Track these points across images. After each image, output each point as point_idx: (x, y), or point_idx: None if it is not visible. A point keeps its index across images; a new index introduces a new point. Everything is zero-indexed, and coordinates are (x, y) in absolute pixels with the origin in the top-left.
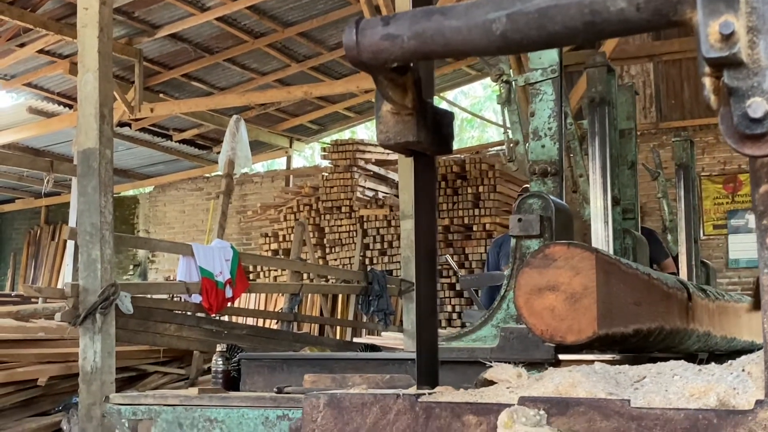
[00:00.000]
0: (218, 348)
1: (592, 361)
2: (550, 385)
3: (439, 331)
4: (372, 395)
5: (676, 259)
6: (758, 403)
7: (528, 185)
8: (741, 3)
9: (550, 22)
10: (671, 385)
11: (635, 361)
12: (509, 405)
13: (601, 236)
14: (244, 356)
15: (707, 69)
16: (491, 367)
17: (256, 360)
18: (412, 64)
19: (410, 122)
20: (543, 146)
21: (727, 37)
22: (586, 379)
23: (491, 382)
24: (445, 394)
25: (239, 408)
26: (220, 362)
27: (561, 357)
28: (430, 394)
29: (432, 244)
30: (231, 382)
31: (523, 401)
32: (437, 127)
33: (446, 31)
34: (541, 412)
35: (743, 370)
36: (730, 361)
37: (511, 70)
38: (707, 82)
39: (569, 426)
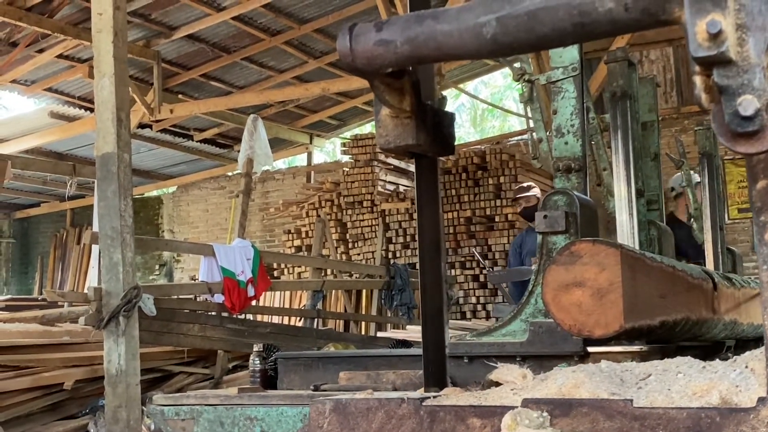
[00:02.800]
0: (255, 348)
1: (621, 353)
2: (553, 386)
3: (466, 323)
4: (377, 400)
5: (702, 248)
6: (761, 400)
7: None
8: (729, 1)
9: (539, 24)
10: (675, 383)
11: (662, 351)
12: (513, 407)
13: (626, 228)
14: (281, 355)
15: (697, 68)
16: (497, 367)
17: (293, 359)
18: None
19: (409, 125)
20: (566, 143)
21: (715, 36)
22: (590, 380)
23: (497, 384)
24: (450, 397)
25: (278, 406)
26: (257, 361)
27: (590, 349)
28: (434, 397)
29: (437, 245)
30: (268, 380)
31: (527, 403)
32: (437, 129)
33: (438, 36)
34: (545, 413)
35: (746, 367)
36: (734, 357)
37: (532, 69)
38: (698, 80)
39: (572, 427)
